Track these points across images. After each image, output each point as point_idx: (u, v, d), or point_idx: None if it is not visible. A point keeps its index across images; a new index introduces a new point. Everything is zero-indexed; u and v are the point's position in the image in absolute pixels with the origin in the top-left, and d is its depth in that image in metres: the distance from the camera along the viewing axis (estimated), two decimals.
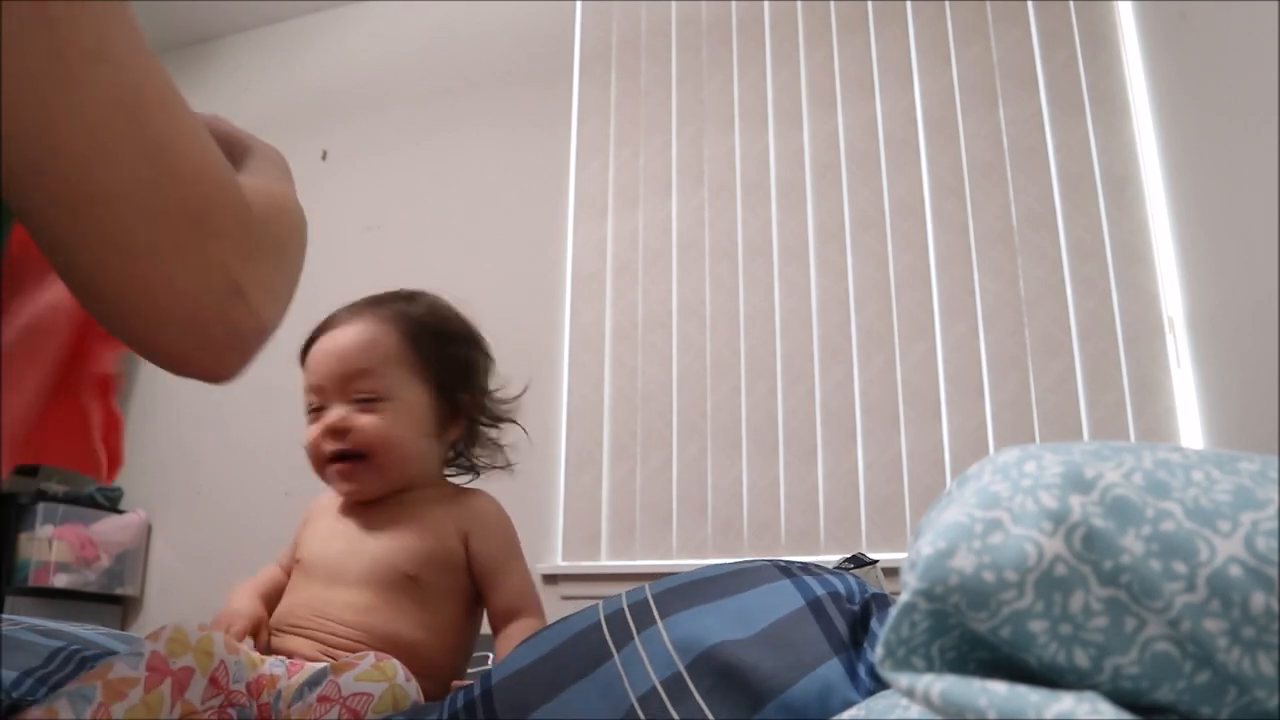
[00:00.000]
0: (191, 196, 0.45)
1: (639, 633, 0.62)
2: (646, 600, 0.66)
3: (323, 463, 0.98)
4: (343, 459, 0.97)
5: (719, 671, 0.57)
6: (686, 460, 2.26)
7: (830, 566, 0.79)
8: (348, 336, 1.02)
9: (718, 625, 0.61)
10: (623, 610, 0.65)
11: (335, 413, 0.97)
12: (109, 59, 0.44)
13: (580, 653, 0.63)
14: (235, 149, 0.66)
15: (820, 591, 0.65)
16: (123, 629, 2.57)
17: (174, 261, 0.45)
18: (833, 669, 0.58)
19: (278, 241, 0.52)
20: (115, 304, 0.45)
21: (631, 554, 2.24)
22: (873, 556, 0.95)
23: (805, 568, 0.70)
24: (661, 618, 0.63)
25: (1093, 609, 0.37)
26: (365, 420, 0.97)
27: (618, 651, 0.61)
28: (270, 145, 0.68)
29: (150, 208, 0.44)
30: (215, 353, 0.48)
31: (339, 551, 0.96)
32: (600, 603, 0.69)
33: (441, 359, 1.03)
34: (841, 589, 0.67)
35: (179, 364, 0.48)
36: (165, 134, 0.45)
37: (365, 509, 1.00)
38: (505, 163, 2.69)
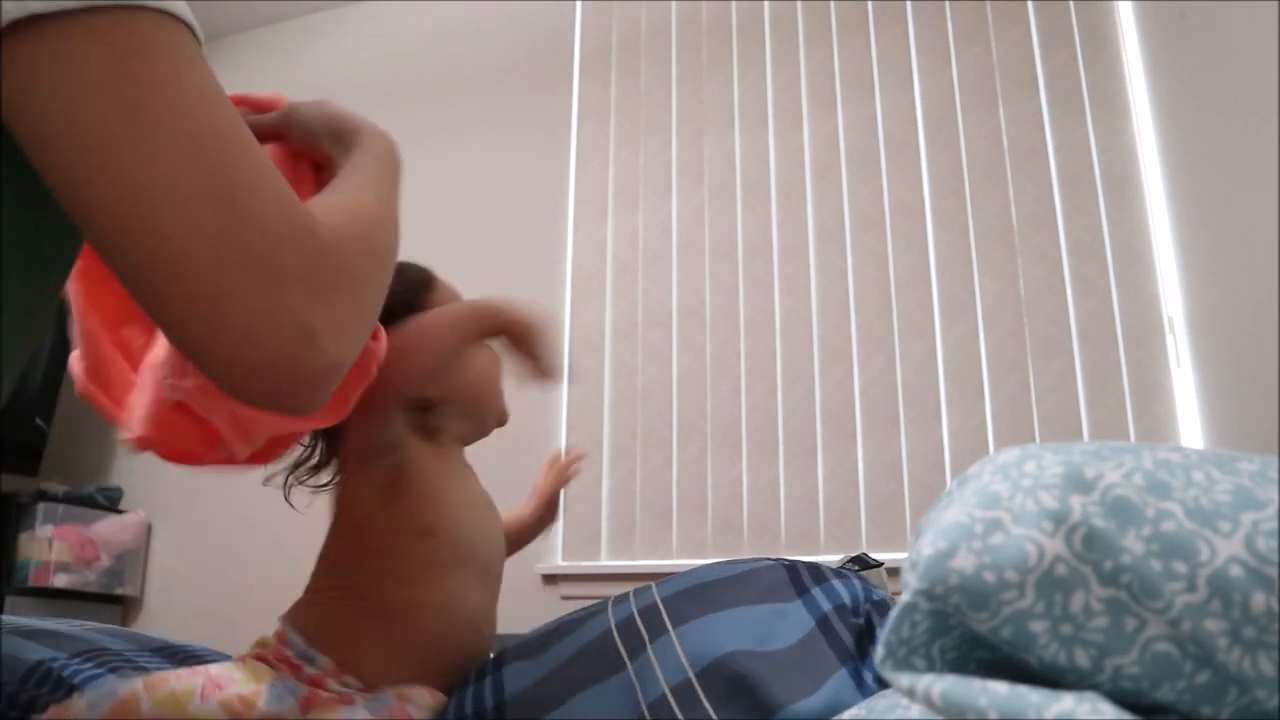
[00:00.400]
0: (260, 244, 0.46)
1: (651, 642, 0.61)
2: (656, 605, 0.65)
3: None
4: None
5: (730, 680, 0.57)
6: (686, 460, 2.26)
7: (835, 566, 0.79)
8: None
9: (731, 636, 0.60)
10: (633, 616, 0.65)
11: None
12: (184, 110, 0.46)
13: (594, 663, 0.62)
14: (344, 137, 0.69)
15: (827, 607, 0.65)
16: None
17: (242, 309, 0.45)
18: (841, 680, 0.58)
19: (353, 271, 0.52)
20: (189, 344, 0.47)
21: (631, 554, 2.24)
22: (878, 558, 0.94)
23: (812, 571, 0.70)
24: (674, 625, 0.62)
25: (1093, 609, 0.37)
26: None
27: (631, 662, 0.61)
28: (380, 132, 0.70)
29: (219, 257, 0.45)
30: (288, 392, 0.48)
31: (494, 548, 0.91)
32: (608, 605, 0.68)
33: None
34: (847, 599, 0.66)
35: (255, 401, 0.49)
36: (236, 182, 0.46)
37: (468, 479, 0.95)
38: (505, 163, 2.69)
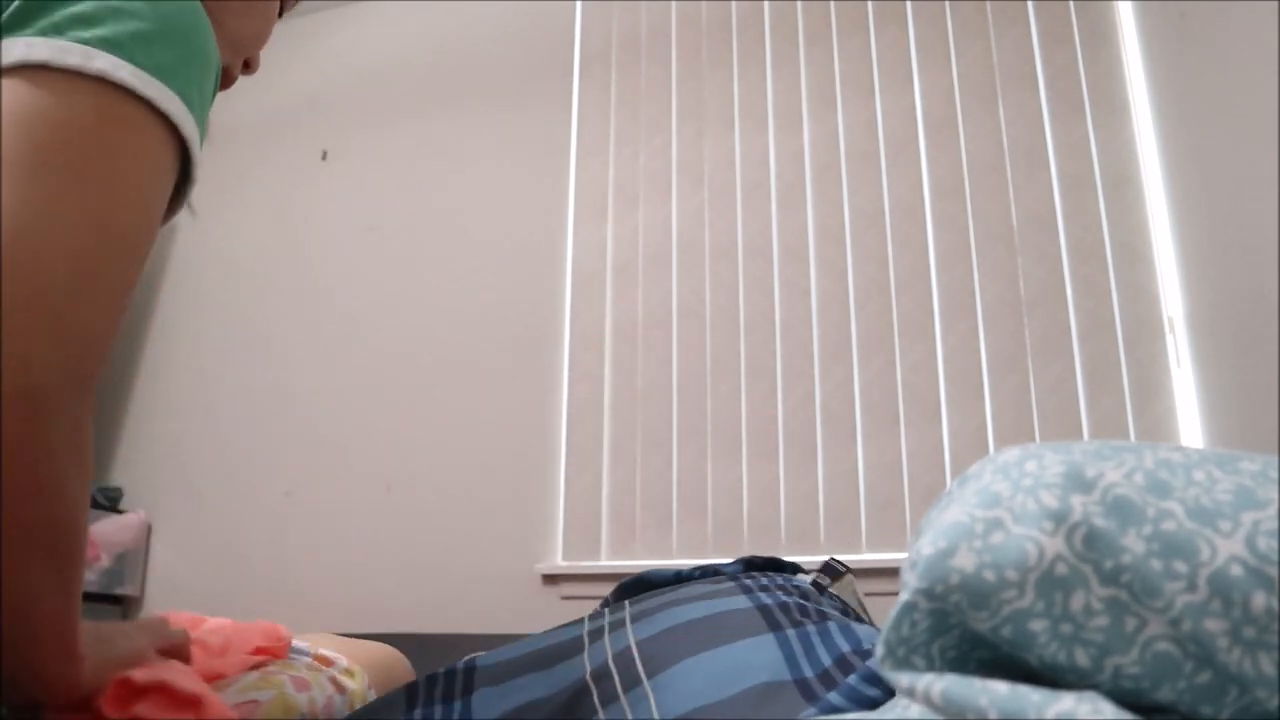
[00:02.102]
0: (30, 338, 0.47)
1: (625, 691, 0.60)
2: (630, 650, 0.64)
3: None
4: None
5: None
6: (686, 460, 2.26)
7: (807, 582, 0.77)
8: None
9: (704, 686, 0.59)
10: (608, 663, 0.64)
11: None
12: (92, 192, 0.50)
13: (565, 709, 0.62)
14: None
15: (810, 674, 0.63)
16: None
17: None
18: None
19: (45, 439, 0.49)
20: None
21: (631, 554, 2.24)
22: (845, 565, 0.92)
23: (787, 612, 0.67)
24: (648, 675, 0.61)
25: (1093, 608, 0.37)
26: None
27: (603, 709, 0.60)
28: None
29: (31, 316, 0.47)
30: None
31: None
32: (585, 643, 0.66)
33: None
34: (819, 646, 0.64)
35: None
36: (77, 285, 0.49)
37: None
38: (505, 163, 2.69)
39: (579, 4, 2.73)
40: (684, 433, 2.28)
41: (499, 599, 2.30)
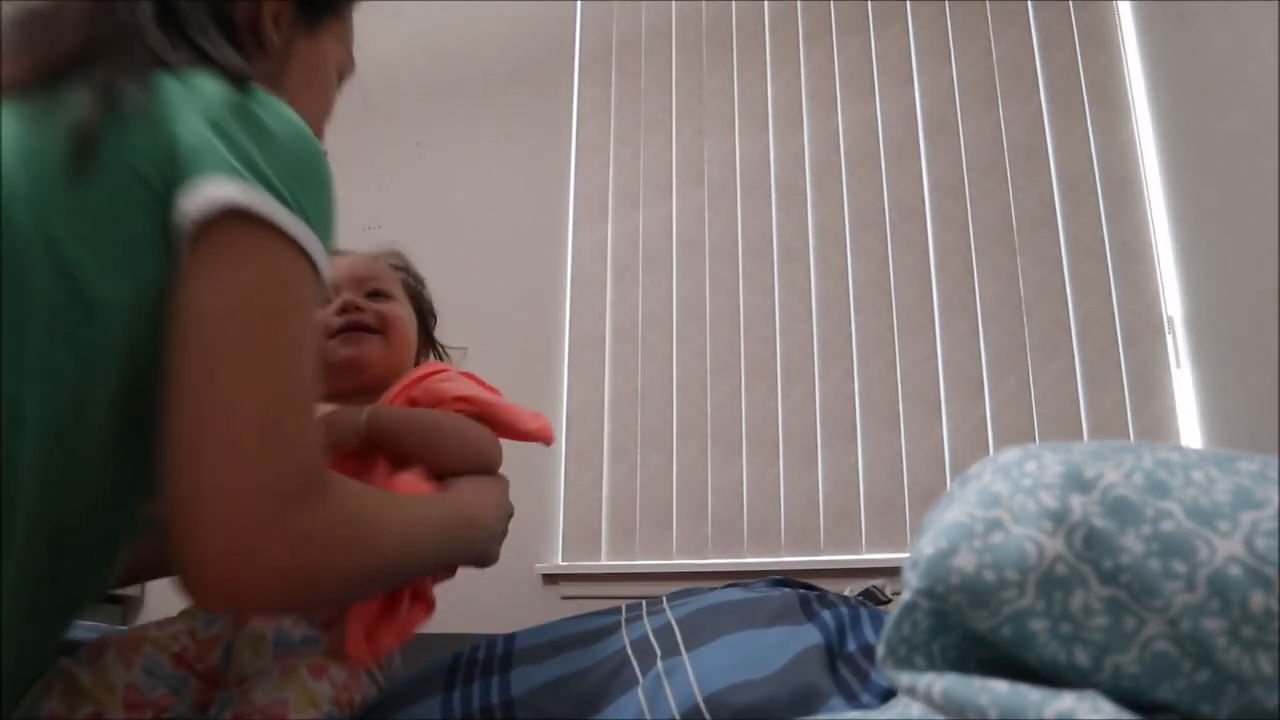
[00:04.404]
0: (270, 478, 0.51)
1: (663, 658, 0.62)
2: (670, 625, 0.66)
3: (328, 338, 1.01)
4: (352, 330, 1.03)
5: (736, 712, 0.57)
6: (686, 460, 2.27)
7: (849, 598, 0.79)
8: (355, 257, 1.12)
9: (741, 662, 0.61)
10: (647, 635, 0.66)
11: (347, 297, 1.04)
12: (283, 354, 0.53)
13: (606, 680, 0.63)
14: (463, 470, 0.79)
15: (833, 626, 0.65)
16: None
17: (226, 513, 0.51)
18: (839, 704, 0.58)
19: (325, 551, 0.55)
20: (180, 513, 0.51)
21: (631, 554, 2.24)
22: (887, 593, 0.91)
23: (820, 599, 0.70)
24: (687, 648, 0.63)
25: (1093, 608, 0.37)
26: (378, 304, 1.05)
27: (642, 677, 0.61)
28: (490, 503, 0.79)
29: (241, 475, 0.51)
30: (213, 590, 0.55)
31: None
32: (622, 621, 0.69)
33: (418, 297, 1.16)
34: (849, 620, 0.66)
35: (188, 585, 0.55)
36: (286, 428, 0.52)
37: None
38: (505, 163, 2.69)
39: (579, 4, 2.73)
40: (684, 433, 2.29)
41: (499, 599, 2.30)
